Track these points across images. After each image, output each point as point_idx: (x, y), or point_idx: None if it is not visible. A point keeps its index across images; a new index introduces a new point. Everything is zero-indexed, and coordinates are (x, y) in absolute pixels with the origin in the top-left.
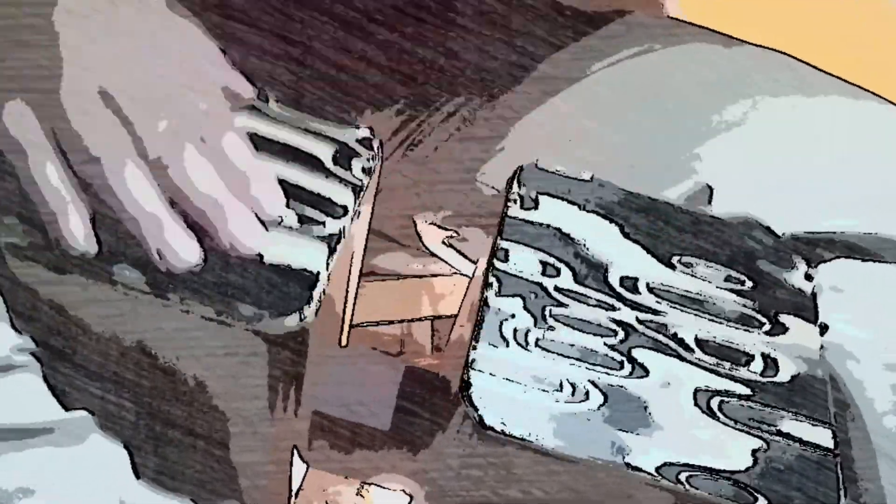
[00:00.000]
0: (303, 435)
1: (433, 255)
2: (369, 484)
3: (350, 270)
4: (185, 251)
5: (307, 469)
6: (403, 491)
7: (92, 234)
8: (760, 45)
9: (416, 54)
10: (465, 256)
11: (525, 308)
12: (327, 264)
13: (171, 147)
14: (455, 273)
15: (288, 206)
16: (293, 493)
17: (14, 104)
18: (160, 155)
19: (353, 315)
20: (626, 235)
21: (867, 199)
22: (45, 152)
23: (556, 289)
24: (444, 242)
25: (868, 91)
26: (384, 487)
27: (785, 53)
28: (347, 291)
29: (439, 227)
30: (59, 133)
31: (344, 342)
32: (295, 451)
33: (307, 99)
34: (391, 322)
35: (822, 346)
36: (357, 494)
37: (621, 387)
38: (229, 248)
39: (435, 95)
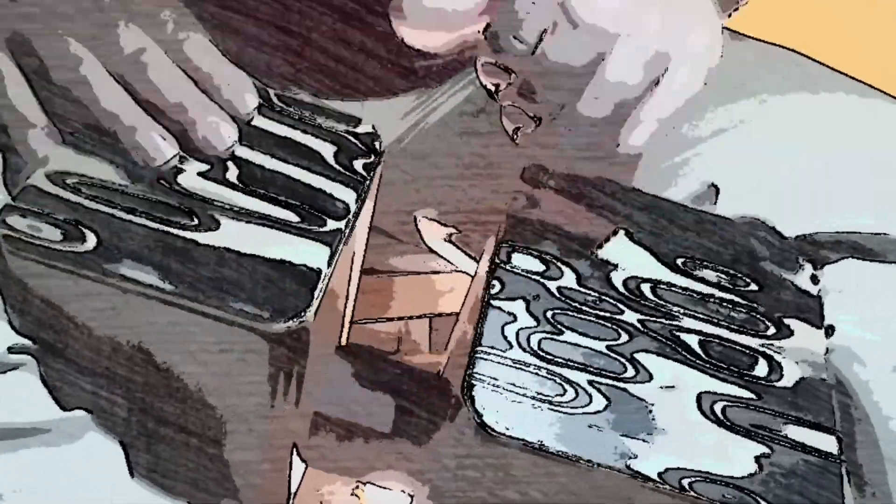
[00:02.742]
0: (299, 433)
1: (433, 251)
2: (364, 483)
3: (351, 269)
4: (162, 146)
5: (305, 468)
6: (402, 491)
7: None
8: (767, 42)
9: (416, 46)
10: (466, 253)
11: (527, 310)
12: (329, 263)
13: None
14: (455, 270)
15: (289, 204)
16: (292, 494)
17: None
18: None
19: (353, 314)
20: (631, 237)
21: (874, 198)
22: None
23: (559, 290)
24: (444, 239)
25: (875, 88)
26: (380, 486)
27: (792, 50)
28: (348, 290)
29: (440, 223)
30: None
31: (344, 342)
32: (294, 450)
33: (306, 91)
34: (389, 319)
35: (827, 350)
36: (352, 494)
37: (624, 390)
38: (204, 145)
39: (434, 89)
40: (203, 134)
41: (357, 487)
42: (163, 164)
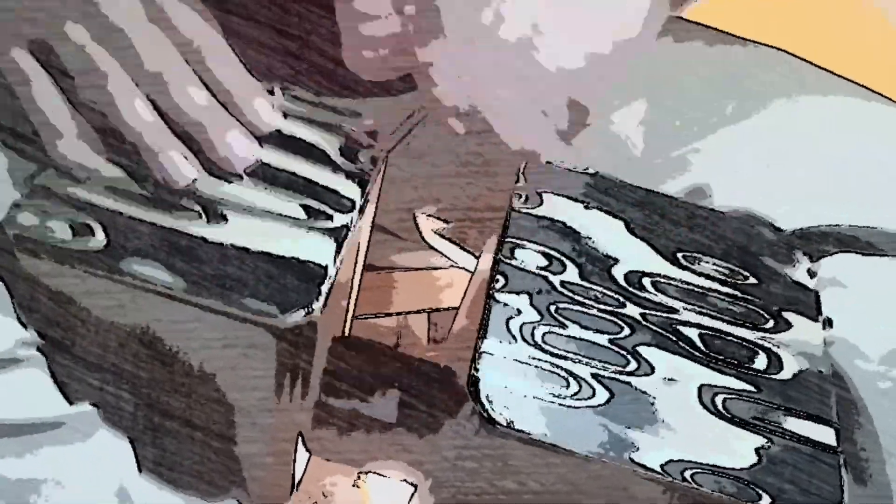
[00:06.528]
0: (303, 426)
1: (431, 248)
2: (366, 473)
3: (355, 262)
4: (184, 168)
5: (309, 458)
6: (404, 481)
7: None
8: (757, 42)
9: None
10: (465, 249)
11: (531, 304)
12: (335, 258)
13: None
14: (453, 266)
15: (295, 199)
16: (296, 484)
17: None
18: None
19: (355, 307)
20: (632, 231)
21: (865, 193)
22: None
23: (563, 284)
24: (441, 235)
25: (865, 87)
26: (382, 475)
27: (782, 50)
28: (352, 283)
29: (438, 219)
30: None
31: (347, 333)
32: (299, 441)
33: (305, 91)
34: (389, 314)
35: (825, 342)
36: (353, 485)
37: (627, 383)
38: (224, 161)
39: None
40: (224, 154)
41: (359, 478)
42: (183, 186)
